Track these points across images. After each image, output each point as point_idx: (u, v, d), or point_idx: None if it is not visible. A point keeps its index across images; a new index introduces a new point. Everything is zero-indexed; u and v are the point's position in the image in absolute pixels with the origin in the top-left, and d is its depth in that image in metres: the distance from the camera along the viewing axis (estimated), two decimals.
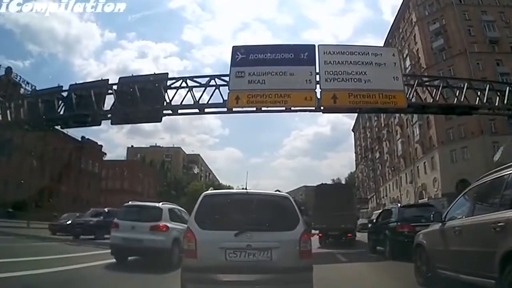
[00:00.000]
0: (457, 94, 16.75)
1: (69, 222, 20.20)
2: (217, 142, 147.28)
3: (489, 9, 42.42)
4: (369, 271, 9.35)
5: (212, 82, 16.45)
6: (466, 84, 17.04)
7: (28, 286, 6.13)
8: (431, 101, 17.06)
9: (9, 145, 25.54)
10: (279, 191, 6.29)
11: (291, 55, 15.78)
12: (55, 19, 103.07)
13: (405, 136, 51.42)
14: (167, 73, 17.71)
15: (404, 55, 44.50)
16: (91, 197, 51.62)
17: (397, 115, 49.68)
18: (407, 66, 44.05)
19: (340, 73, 15.53)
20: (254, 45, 17.25)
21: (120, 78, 17.94)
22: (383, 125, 61.65)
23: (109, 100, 17.38)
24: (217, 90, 16.20)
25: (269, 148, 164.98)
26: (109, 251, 9.28)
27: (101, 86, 17.82)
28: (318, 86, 15.47)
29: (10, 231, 18.83)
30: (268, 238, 4.35)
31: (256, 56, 15.89)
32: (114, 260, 9.09)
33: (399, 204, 16.42)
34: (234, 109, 16.16)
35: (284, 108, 15.87)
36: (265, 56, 15.87)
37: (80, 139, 48.52)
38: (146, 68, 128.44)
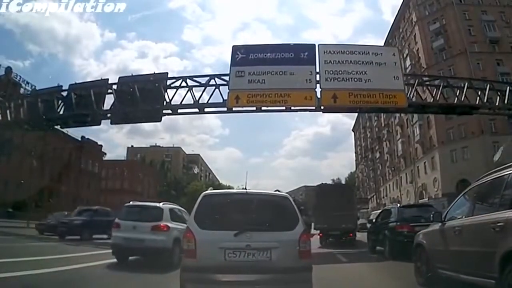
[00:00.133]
0: (457, 94, 16.73)
1: (51, 221, 19.15)
2: (217, 142, 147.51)
3: (489, 9, 42.41)
4: (369, 271, 9.33)
5: (212, 82, 16.42)
6: (466, 84, 17.03)
7: (29, 286, 6.11)
8: (432, 100, 17.05)
9: (9, 145, 25.54)
10: (278, 191, 6.28)
11: (291, 55, 15.75)
12: (55, 19, 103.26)
13: (405, 136, 51.40)
14: (167, 73, 17.72)
15: (404, 55, 44.48)
16: (91, 197, 51.57)
17: (397, 115, 49.68)
18: (407, 66, 44.03)
19: (340, 72, 15.50)
20: (254, 44, 17.24)
21: (119, 77, 17.92)
22: (383, 125, 61.64)
23: (109, 100, 17.42)
24: (217, 90, 16.18)
25: (269, 148, 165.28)
26: (109, 251, 9.29)
27: (101, 85, 17.80)
28: (318, 85, 15.45)
29: (10, 231, 18.82)
30: (267, 238, 4.34)
31: (256, 56, 15.86)
32: (114, 260, 9.10)
33: (398, 204, 16.43)
34: (234, 109, 16.14)
35: (284, 108, 15.84)
36: (265, 55, 15.84)
37: (80, 139, 48.53)
38: (146, 68, 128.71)
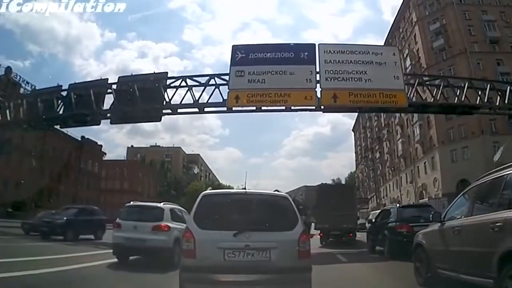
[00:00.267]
0: (457, 94, 16.69)
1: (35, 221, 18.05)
2: (217, 142, 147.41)
3: (489, 9, 42.40)
4: (369, 271, 9.35)
5: (212, 81, 16.36)
6: (467, 84, 16.99)
7: (29, 286, 6.10)
8: (432, 100, 17.00)
9: (9, 145, 25.49)
10: (278, 191, 6.28)
11: (291, 54, 15.70)
12: (55, 19, 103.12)
13: (405, 136, 51.39)
14: (167, 72, 17.64)
15: (405, 55, 44.46)
16: (91, 197, 51.60)
17: (397, 115, 49.68)
18: (408, 66, 44.00)
19: (340, 72, 15.45)
20: (254, 44, 17.26)
21: (119, 77, 17.86)
22: (383, 125, 61.62)
23: (109, 100, 17.34)
24: (216, 90, 16.11)
25: (269, 148, 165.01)
26: (108, 251, 9.29)
27: (101, 85, 17.74)
28: (318, 85, 15.39)
29: (9, 231, 18.76)
30: (266, 238, 4.33)
31: (256, 55, 15.81)
32: (114, 260, 9.14)
33: (398, 204, 16.49)
34: (233, 109, 16.08)
35: (284, 108, 15.80)
36: (265, 55, 15.78)
37: (80, 139, 48.52)
38: (146, 68, 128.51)
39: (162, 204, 9.90)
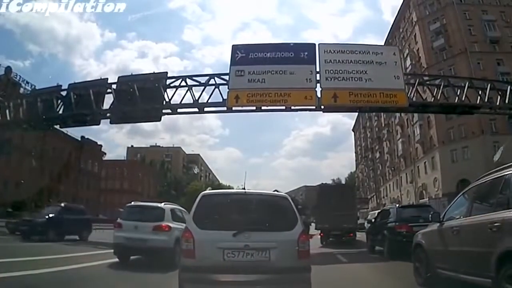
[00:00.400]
0: (458, 93, 16.68)
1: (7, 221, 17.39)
2: (217, 142, 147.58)
3: (489, 9, 42.36)
4: (368, 271, 9.35)
5: (212, 81, 16.34)
6: (467, 83, 16.98)
7: (29, 286, 6.08)
8: (432, 100, 16.99)
9: (9, 145, 25.46)
10: (277, 191, 6.27)
11: (291, 54, 15.67)
12: (55, 19, 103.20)
13: (405, 136, 51.36)
14: (166, 72, 17.62)
15: (405, 55, 44.43)
16: (91, 197, 51.64)
17: (398, 114, 49.66)
18: (408, 65, 43.95)
19: (340, 72, 15.42)
20: (254, 44, 17.23)
21: (119, 77, 17.82)
22: (383, 125, 61.57)
23: (108, 100, 17.32)
24: (216, 89, 16.09)
25: (269, 148, 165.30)
26: (108, 251, 9.28)
27: (100, 85, 17.72)
28: (318, 85, 15.37)
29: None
30: (266, 238, 4.32)
31: (256, 55, 15.78)
32: (115, 260, 9.17)
33: (397, 205, 16.51)
34: (233, 108, 16.05)
35: (284, 107, 15.77)
36: (265, 55, 15.76)
37: (80, 139, 48.50)
38: (146, 68, 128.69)
39: (163, 204, 9.96)
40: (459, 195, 5.86)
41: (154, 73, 17.98)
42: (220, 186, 63.09)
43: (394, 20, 54.49)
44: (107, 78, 18.07)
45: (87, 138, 51.14)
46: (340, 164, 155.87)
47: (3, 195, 31.48)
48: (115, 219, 10.07)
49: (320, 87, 15.36)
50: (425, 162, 44.91)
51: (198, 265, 4.21)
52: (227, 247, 4.21)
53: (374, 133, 68.09)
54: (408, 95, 16.12)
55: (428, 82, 17.89)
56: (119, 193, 57.85)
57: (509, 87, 16.90)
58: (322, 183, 21.84)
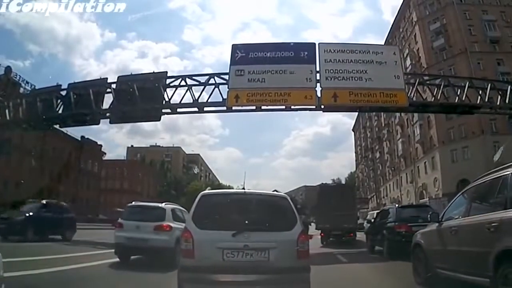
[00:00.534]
0: (458, 93, 16.66)
1: None
2: (217, 142, 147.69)
3: (490, 9, 42.36)
4: (368, 271, 9.36)
5: (212, 81, 16.29)
6: (467, 83, 16.96)
7: (29, 286, 6.07)
8: (432, 100, 16.96)
9: (8, 145, 25.46)
10: (277, 191, 6.25)
11: (291, 54, 15.64)
12: (55, 19, 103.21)
13: (405, 136, 51.35)
14: (166, 72, 17.55)
15: (405, 55, 44.41)
16: (91, 197, 51.64)
17: (398, 114, 49.64)
18: (408, 65, 43.93)
19: (340, 71, 15.39)
20: (254, 43, 17.23)
21: (119, 77, 17.78)
22: (383, 125, 61.56)
23: (108, 99, 17.28)
24: (216, 89, 16.04)
25: (269, 148, 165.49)
26: (108, 251, 9.29)
27: (100, 85, 17.68)
28: (318, 84, 15.34)
29: None
30: (265, 238, 4.31)
31: (256, 55, 15.75)
32: (115, 260, 9.19)
33: (397, 205, 16.54)
34: (233, 108, 16.02)
35: (284, 107, 15.73)
36: (265, 54, 15.72)
37: (79, 139, 48.48)
38: (146, 68, 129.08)
39: (163, 204, 10.01)
40: (457, 195, 5.89)
41: (153, 72, 17.94)
42: (220, 186, 63.08)
43: (394, 20, 54.49)
44: (107, 78, 18.05)
45: (87, 138, 51.16)
46: (340, 164, 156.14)
47: (3, 195, 31.42)
48: (115, 219, 10.05)
49: (320, 86, 15.33)
50: (425, 162, 44.89)
51: (198, 265, 4.20)
52: (227, 247, 4.20)
53: (374, 133, 68.08)
54: (408, 95, 16.10)
55: (428, 82, 17.86)
56: (119, 193, 57.87)
57: (509, 87, 16.87)
58: (322, 183, 21.82)
